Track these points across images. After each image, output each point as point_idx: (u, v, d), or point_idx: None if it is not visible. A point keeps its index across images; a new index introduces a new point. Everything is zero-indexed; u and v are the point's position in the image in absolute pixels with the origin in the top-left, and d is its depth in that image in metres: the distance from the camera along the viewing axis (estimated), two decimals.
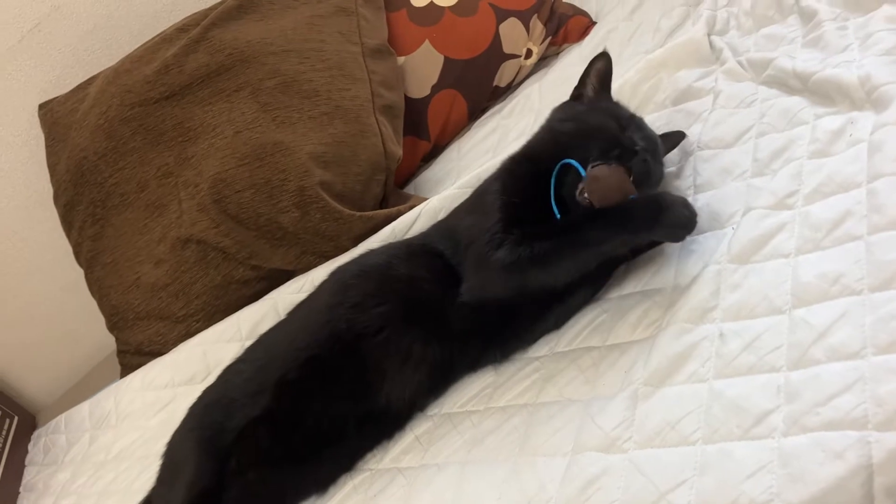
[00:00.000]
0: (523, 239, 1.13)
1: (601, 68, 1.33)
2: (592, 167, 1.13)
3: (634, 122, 1.25)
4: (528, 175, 1.24)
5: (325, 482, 1.25)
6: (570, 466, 1.00)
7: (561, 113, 1.33)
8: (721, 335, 1.01)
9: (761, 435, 0.88)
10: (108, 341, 2.05)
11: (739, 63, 1.43)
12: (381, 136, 1.77)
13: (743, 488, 0.85)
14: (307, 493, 1.26)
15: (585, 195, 1.11)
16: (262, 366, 1.31)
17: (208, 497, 1.21)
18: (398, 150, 1.80)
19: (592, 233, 1.10)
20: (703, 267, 1.12)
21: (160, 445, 1.65)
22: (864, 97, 1.15)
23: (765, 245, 1.07)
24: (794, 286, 0.99)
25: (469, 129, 1.98)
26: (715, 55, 1.50)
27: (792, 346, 0.93)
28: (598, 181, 1.11)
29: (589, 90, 1.33)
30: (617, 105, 1.31)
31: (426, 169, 1.98)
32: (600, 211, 1.10)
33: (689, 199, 1.23)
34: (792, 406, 0.88)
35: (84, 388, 2.07)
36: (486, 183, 1.33)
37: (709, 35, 1.53)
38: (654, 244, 1.20)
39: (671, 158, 1.36)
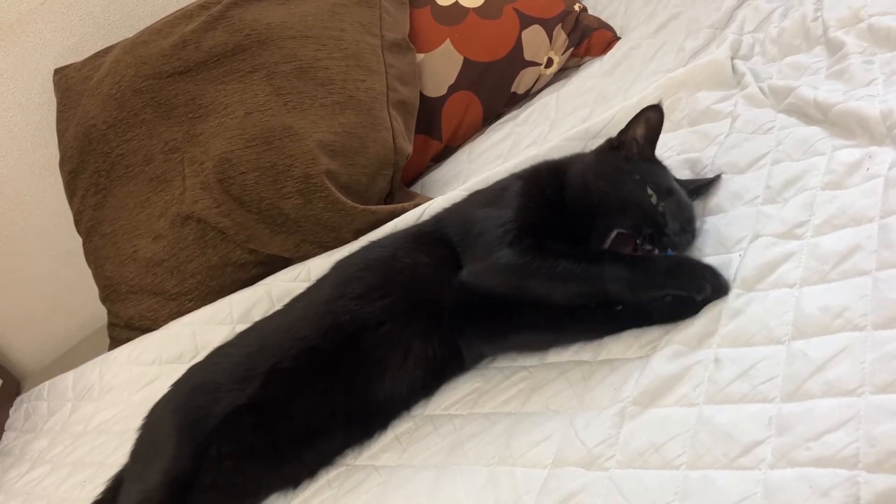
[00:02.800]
0: (534, 247, 1.12)
1: (653, 119, 1.22)
2: None
3: (672, 194, 1.17)
4: (550, 189, 1.22)
5: (301, 478, 1.23)
6: (548, 479, 0.98)
7: (601, 164, 1.23)
8: (716, 360, 0.98)
9: (747, 465, 0.85)
10: (100, 314, 2.03)
11: (761, 89, 1.41)
12: (393, 130, 1.75)
13: None
14: (283, 487, 1.23)
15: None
16: (253, 352, 1.28)
17: (183, 481, 1.19)
18: (408, 147, 1.78)
19: (609, 268, 1.08)
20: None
21: (140, 421, 1.65)
22: (885, 132, 1.13)
23: (770, 273, 1.05)
24: (795, 317, 0.97)
25: (482, 132, 1.96)
26: (737, 79, 1.48)
27: (788, 377, 0.91)
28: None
29: (635, 141, 1.23)
30: (659, 168, 1.23)
31: (435, 169, 1.96)
32: (624, 255, 1.11)
33: (698, 221, 1.23)
34: (782, 439, 0.85)
35: (72, 358, 2.05)
36: (509, 179, 1.31)
37: (732, 59, 1.51)
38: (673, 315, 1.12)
39: (682, 178, 1.33)
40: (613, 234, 1.12)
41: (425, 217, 1.51)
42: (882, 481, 0.76)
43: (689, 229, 1.16)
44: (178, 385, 1.38)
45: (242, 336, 1.39)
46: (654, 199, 1.13)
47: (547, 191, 1.21)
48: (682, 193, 1.19)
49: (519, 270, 1.12)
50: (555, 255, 1.10)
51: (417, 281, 1.22)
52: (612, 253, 1.12)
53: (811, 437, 0.83)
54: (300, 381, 1.21)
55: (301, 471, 1.23)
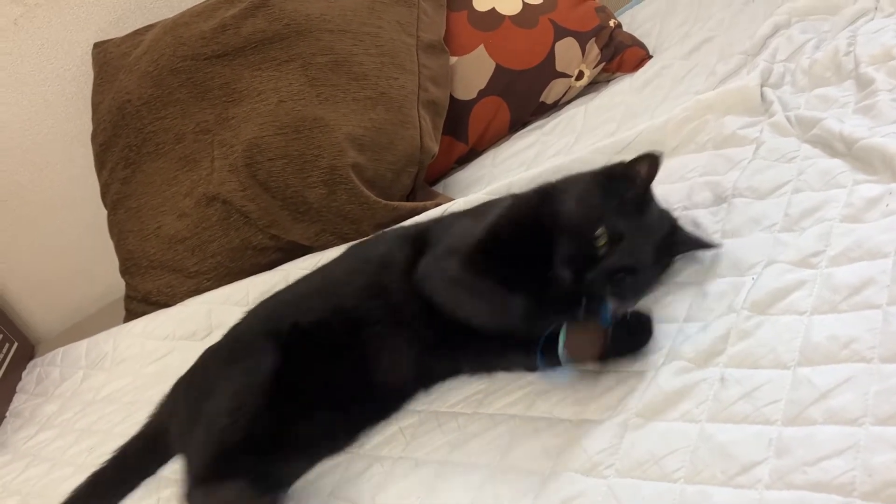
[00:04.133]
0: (479, 266, 1.15)
1: (652, 165, 1.17)
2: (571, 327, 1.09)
3: (621, 241, 1.11)
4: (535, 215, 1.20)
5: (313, 449, 1.24)
6: (547, 483, 0.99)
7: (585, 187, 1.19)
8: (722, 380, 1.00)
9: (744, 484, 0.87)
10: (117, 287, 2.07)
11: (787, 118, 1.42)
12: (420, 129, 1.77)
13: None
14: (296, 457, 1.23)
15: (566, 354, 1.09)
16: (288, 302, 1.37)
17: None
18: (434, 147, 1.81)
19: (514, 306, 1.11)
20: (716, 311, 1.11)
21: (150, 394, 1.67)
22: None
23: (782, 299, 1.07)
24: (803, 344, 0.98)
25: (508, 139, 1.98)
26: (764, 107, 1.49)
27: (791, 402, 0.92)
28: (577, 341, 1.09)
29: (634, 179, 1.18)
30: (636, 212, 1.16)
31: (459, 171, 1.98)
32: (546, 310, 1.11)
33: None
34: (780, 461, 0.87)
35: (86, 327, 2.08)
36: (505, 198, 1.33)
37: (762, 86, 1.52)
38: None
39: (702, 199, 1.35)
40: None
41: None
42: None
43: (626, 280, 1.12)
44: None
45: (287, 288, 1.44)
46: (601, 240, 1.11)
47: (529, 219, 1.20)
48: (637, 243, 1.12)
49: (455, 281, 1.16)
50: (492, 279, 1.13)
51: (404, 283, 1.24)
52: (531, 297, 1.11)
53: (809, 461, 0.85)
54: (315, 344, 1.24)
55: (311, 435, 1.23)
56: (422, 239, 1.29)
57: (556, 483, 0.98)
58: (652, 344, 1.10)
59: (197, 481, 1.12)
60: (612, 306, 1.09)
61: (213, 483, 1.10)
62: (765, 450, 0.89)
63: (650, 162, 1.17)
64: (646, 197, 1.19)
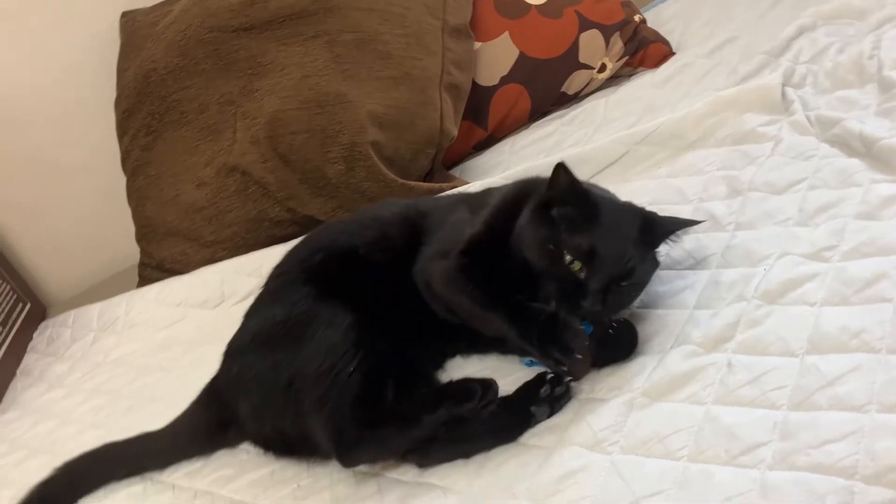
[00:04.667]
0: (471, 267, 1.14)
1: (564, 177, 1.11)
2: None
3: (594, 255, 1.07)
4: (508, 222, 1.17)
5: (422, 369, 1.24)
6: (552, 456, 1.01)
7: (527, 230, 1.13)
8: (729, 365, 1.01)
9: (747, 464, 0.88)
10: (131, 254, 2.09)
11: (807, 118, 1.43)
12: (441, 112, 1.79)
13: None
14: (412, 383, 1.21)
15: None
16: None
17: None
18: (454, 130, 1.82)
19: (500, 315, 1.10)
20: (727, 299, 1.12)
21: (160, 358, 1.70)
22: None
23: (793, 290, 1.08)
24: (812, 333, 0.99)
25: (527, 127, 1.99)
26: (785, 105, 1.50)
27: (797, 388, 0.93)
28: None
29: (563, 197, 1.12)
30: (587, 217, 1.10)
31: (476, 156, 1.99)
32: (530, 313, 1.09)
33: (728, 235, 1.25)
34: (784, 443, 0.88)
35: (98, 293, 2.10)
36: (501, 190, 1.29)
37: (784, 85, 1.53)
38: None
39: (718, 192, 1.36)
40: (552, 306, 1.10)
41: None
42: (877, 494, 0.79)
43: (622, 283, 1.09)
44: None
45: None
46: (576, 265, 1.07)
47: (508, 224, 1.17)
48: (610, 247, 1.08)
49: (450, 281, 1.16)
50: (483, 281, 1.13)
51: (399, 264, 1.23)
52: (519, 306, 1.10)
53: (813, 444, 0.86)
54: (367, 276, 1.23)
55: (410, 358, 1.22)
56: (421, 219, 1.29)
57: (561, 456, 1.00)
58: (619, 373, 1.09)
59: (345, 445, 1.09)
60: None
61: (364, 441, 1.09)
62: (769, 432, 0.90)
63: (562, 173, 1.10)
64: (589, 203, 1.11)
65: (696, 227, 1.18)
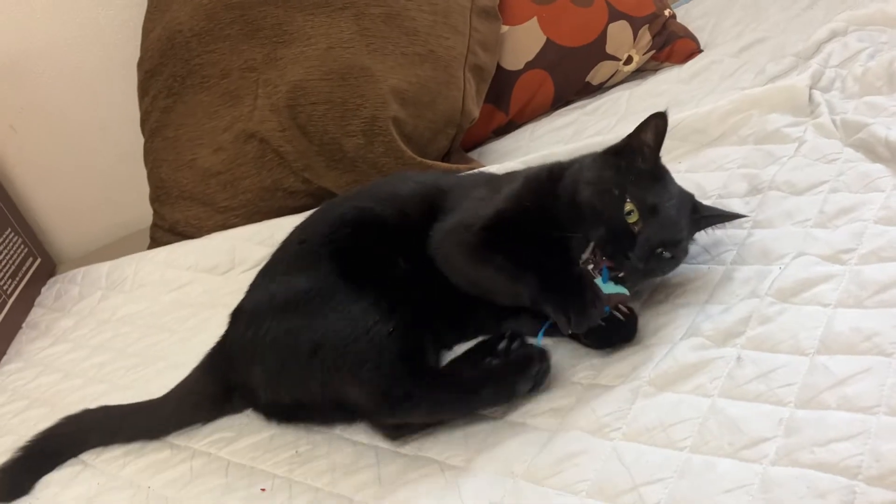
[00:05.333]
0: (492, 241, 1.14)
1: (660, 126, 1.12)
2: None
3: (657, 213, 1.09)
4: (546, 194, 1.17)
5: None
6: (554, 438, 1.00)
7: (592, 171, 1.15)
8: (738, 359, 1.00)
9: (750, 458, 0.87)
10: (143, 217, 2.10)
11: (833, 121, 1.42)
12: (464, 92, 1.78)
13: (717, 500, 0.84)
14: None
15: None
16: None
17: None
18: (475, 111, 1.81)
19: (528, 281, 1.10)
20: (740, 295, 1.11)
21: (166, 320, 1.70)
22: None
23: (807, 290, 1.07)
24: (825, 333, 0.98)
25: (548, 115, 1.98)
26: (811, 108, 1.48)
27: (806, 386, 0.93)
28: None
29: (642, 148, 1.13)
30: (656, 180, 1.13)
31: (495, 141, 1.99)
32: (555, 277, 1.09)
33: (745, 232, 1.24)
34: (789, 440, 0.87)
35: (108, 253, 2.10)
36: (523, 172, 1.29)
37: (811, 88, 1.51)
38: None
39: (737, 189, 1.35)
40: (591, 246, 1.09)
41: None
42: (880, 495, 0.78)
43: (665, 253, 1.10)
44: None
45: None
46: (633, 216, 1.07)
47: (541, 197, 1.18)
48: (671, 211, 1.10)
49: (466, 256, 1.15)
50: (502, 251, 1.12)
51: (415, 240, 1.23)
52: (542, 275, 1.09)
53: (818, 442, 0.85)
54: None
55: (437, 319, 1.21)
56: (439, 196, 1.28)
57: (563, 439, 0.99)
58: (626, 360, 1.09)
59: (394, 400, 1.08)
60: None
61: (414, 398, 1.08)
62: (774, 428, 0.89)
63: (655, 123, 1.11)
64: (659, 165, 1.14)
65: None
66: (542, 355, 1.08)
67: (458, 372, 1.16)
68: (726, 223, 1.20)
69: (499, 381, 1.07)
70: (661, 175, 1.14)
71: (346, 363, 1.09)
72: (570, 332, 1.07)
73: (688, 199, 1.17)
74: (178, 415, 1.29)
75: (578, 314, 1.04)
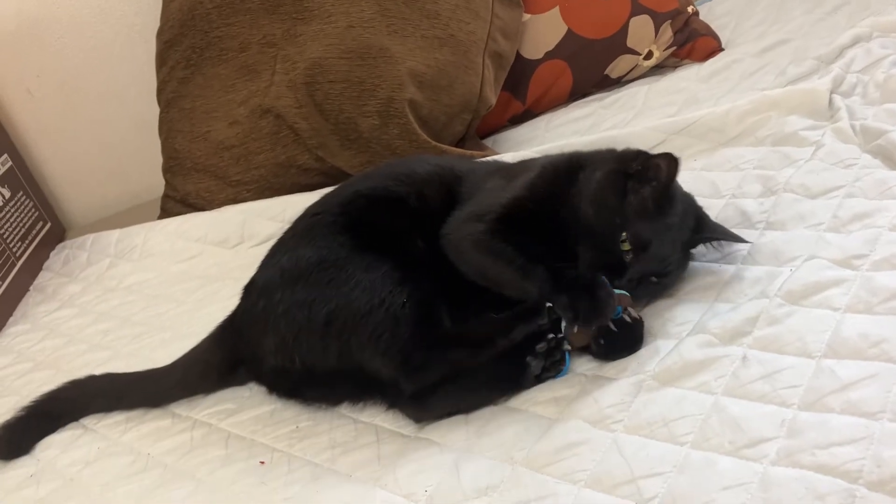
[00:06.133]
0: (503, 232, 1.14)
1: (672, 168, 1.11)
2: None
3: (647, 250, 1.09)
4: (561, 186, 1.17)
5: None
6: (554, 426, 1.00)
7: (600, 189, 1.14)
8: (744, 358, 1.00)
9: (751, 457, 0.87)
10: (154, 188, 2.11)
11: (852, 126, 1.41)
12: (483, 78, 1.78)
13: (715, 496, 0.84)
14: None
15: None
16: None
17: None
18: (493, 98, 1.81)
19: (536, 277, 1.09)
20: (749, 294, 1.11)
21: (173, 290, 1.71)
22: None
23: (817, 293, 1.06)
24: (832, 337, 0.98)
25: (565, 106, 1.97)
26: (831, 112, 1.47)
27: (811, 389, 0.92)
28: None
29: (653, 175, 1.12)
30: (657, 212, 1.11)
31: (510, 129, 1.98)
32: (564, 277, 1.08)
33: (757, 233, 1.24)
34: (790, 441, 0.87)
35: (118, 222, 2.10)
36: (540, 160, 1.29)
37: (832, 92, 1.50)
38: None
39: (751, 190, 1.34)
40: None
41: None
42: (880, 500, 0.77)
43: (652, 282, 1.12)
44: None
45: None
46: (626, 245, 1.09)
47: (557, 187, 1.18)
48: (665, 248, 1.11)
49: (485, 242, 1.14)
50: (514, 244, 1.12)
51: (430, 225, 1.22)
52: (553, 270, 1.09)
53: (820, 445, 0.85)
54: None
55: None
56: (455, 181, 1.28)
57: (563, 428, 0.99)
58: (652, 335, 1.10)
59: (412, 368, 1.08)
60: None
61: (432, 362, 1.08)
62: (777, 428, 0.89)
63: (670, 161, 1.10)
64: (668, 194, 1.12)
65: (725, 222, 1.20)
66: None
67: (473, 331, 1.14)
68: (729, 224, 1.22)
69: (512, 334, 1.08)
70: (666, 207, 1.12)
71: (363, 333, 1.10)
72: (576, 327, 1.06)
73: (692, 218, 1.16)
74: (183, 383, 1.30)
75: (588, 310, 1.04)
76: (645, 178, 1.12)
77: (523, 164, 1.32)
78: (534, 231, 1.13)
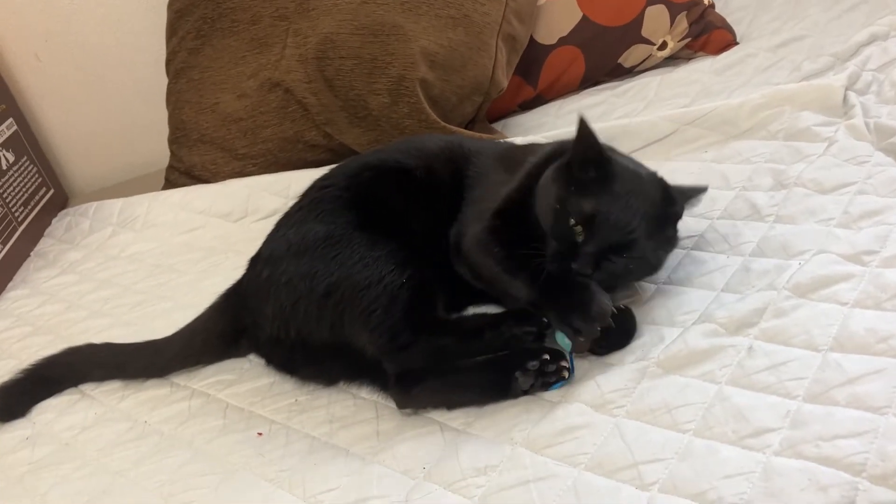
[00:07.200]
0: (500, 230, 1.14)
1: (583, 133, 1.08)
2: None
3: (595, 220, 1.05)
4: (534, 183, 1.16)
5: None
6: (555, 409, 1.00)
7: (544, 188, 1.12)
8: (750, 349, 0.99)
9: (753, 446, 0.87)
10: (159, 159, 2.10)
11: (866, 124, 1.40)
12: (495, 60, 1.76)
13: (716, 484, 0.83)
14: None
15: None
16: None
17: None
18: (504, 81, 1.79)
19: (520, 281, 1.09)
20: (757, 286, 1.10)
21: (174, 261, 1.70)
22: None
23: (825, 287, 1.05)
24: (839, 331, 0.97)
25: (576, 93, 1.96)
26: (845, 109, 1.46)
27: (816, 381, 0.92)
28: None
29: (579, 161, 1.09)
30: (600, 188, 1.07)
31: (520, 114, 1.97)
32: (553, 284, 1.06)
33: (766, 225, 1.23)
34: (794, 432, 0.86)
35: (120, 191, 2.10)
36: (543, 149, 1.26)
37: (846, 89, 1.49)
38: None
39: (762, 183, 1.33)
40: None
41: None
42: (882, 494, 0.77)
43: (617, 258, 1.06)
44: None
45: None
46: (577, 228, 1.05)
47: (533, 185, 1.16)
48: (614, 216, 1.05)
49: (478, 243, 1.15)
50: (511, 244, 1.11)
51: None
52: (544, 272, 1.07)
53: (824, 437, 0.84)
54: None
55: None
56: (463, 159, 1.27)
57: (564, 411, 0.99)
58: (636, 341, 1.08)
59: (398, 346, 1.09)
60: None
61: (419, 344, 1.08)
62: (781, 419, 0.88)
63: (580, 132, 1.07)
64: (605, 168, 1.08)
65: (734, 214, 1.19)
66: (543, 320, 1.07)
67: (463, 322, 1.15)
68: (738, 216, 1.20)
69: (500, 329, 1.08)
70: (607, 178, 1.08)
71: (358, 307, 1.10)
72: (581, 339, 1.04)
73: (655, 192, 1.11)
74: (185, 352, 1.29)
75: (582, 321, 1.01)
76: (583, 160, 1.08)
77: (528, 150, 1.30)
78: (525, 226, 1.12)
